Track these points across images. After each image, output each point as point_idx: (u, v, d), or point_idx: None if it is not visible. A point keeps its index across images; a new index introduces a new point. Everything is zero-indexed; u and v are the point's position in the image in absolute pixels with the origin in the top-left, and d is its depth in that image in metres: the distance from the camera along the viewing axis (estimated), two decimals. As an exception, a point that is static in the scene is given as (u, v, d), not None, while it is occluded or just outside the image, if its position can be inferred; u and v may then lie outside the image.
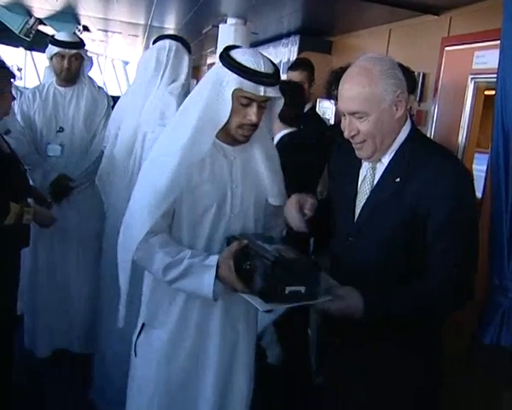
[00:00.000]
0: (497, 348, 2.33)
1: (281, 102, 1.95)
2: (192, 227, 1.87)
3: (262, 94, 1.75)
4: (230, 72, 1.75)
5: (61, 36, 3.49)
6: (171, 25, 6.42)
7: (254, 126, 1.83)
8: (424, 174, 1.62)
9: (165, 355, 1.95)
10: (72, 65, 3.46)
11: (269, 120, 2.00)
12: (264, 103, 1.82)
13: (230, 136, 1.86)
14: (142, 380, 2.00)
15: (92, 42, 9.68)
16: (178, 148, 1.78)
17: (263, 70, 1.75)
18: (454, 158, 1.75)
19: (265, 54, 6.01)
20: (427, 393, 1.79)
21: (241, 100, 1.77)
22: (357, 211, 1.76)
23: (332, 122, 4.49)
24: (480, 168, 3.29)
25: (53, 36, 3.59)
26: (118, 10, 5.69)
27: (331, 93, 3.34)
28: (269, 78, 1.76)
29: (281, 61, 5.54)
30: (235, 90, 1.74)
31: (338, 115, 4.55)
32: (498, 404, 2.53)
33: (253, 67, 1.74)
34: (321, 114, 4.46)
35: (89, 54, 3.76)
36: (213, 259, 1.76)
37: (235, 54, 1.79)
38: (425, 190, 1.60)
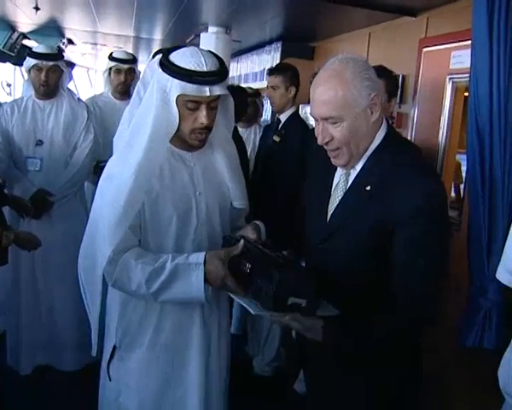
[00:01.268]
0: (480, 350, 2.32)
1: (230, 99, 1.88)
2: (158, 239, 1.80)
3: (208, 94, 1.67)
4: (171, 77, 1.67)
5: (39, 48, 3.46)
6: (155, 35, 6.42)
7: (207, 129, 1.76)
8: (394, 188, 1.54)
9: (144, 377, 1.87)
10: (50, 77, 3.41)
11: (226, 119, 1.92)
12: (213, 103, 1.73)
13: (185, 142, 1.79)
14: (123, 405, 1.92)
15: (82, 55, 9.66)
16: (134, 164, 1.70)
17: (205, 69, 1.66)
18: (427, 172, 1.64)
19: (249, 61, 6.01)
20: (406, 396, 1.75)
21: (187, 105, 1.69)
22: (329, 217, 1.71)
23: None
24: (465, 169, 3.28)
25: (31, 48, 3.57)
26: (101, 23, 5.68)
27: None
28: (213, 76, 1.67)
29: (264, 69, 5.53)
30: (178, 96, 1.67)
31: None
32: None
33: (193, 68, 1.65)
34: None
35: (78, 67, 3.74)
36: (199, 256, 1.69)
37: (173, 57, 1.70)
38: (394, 203, 1.53)
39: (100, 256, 1.74)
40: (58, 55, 3.52)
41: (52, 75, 3.42)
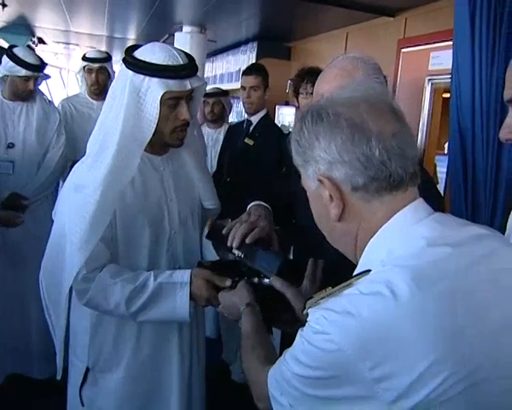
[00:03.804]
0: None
1: (204, 89, 1.80)
2: (131, 250, 1.69)
3: (189, 87, 1.60)
4: (148, 77, 1.56)
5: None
6: (129, 35, 6.31)
7: (187, 125, 1.68)
8: None
9: (121, 398, 1.76)
10: None
11: (194, 113, 1.82)
12: (190, 96, 1.67)
13: (159, 145, 1.70)
14: None
15: (55, 55, 9.48)
16: (99, 180, 1.55)
17: (182, 62, 1.60)
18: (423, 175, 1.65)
19: (225, 62, 5.92)
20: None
21: (168, 103, 1.59)
22: None
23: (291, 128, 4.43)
24: (443, 170, 3.28)
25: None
26: (72, 21, 5.56)
27: (298, 95, 3.24)
28: (189, 68, 1.62)
29: (240, 69, 5.48)
30: (163, 94, 1.56)
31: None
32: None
33: (171, 63, 1.57)
34: (280, 121, 4.42)
35: (51, 67, 3.64)
36: (184, 274, 1.61)
37: (142, 55, 1.59)
38: None
39: (67, 273, 1.59)
40: None
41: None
